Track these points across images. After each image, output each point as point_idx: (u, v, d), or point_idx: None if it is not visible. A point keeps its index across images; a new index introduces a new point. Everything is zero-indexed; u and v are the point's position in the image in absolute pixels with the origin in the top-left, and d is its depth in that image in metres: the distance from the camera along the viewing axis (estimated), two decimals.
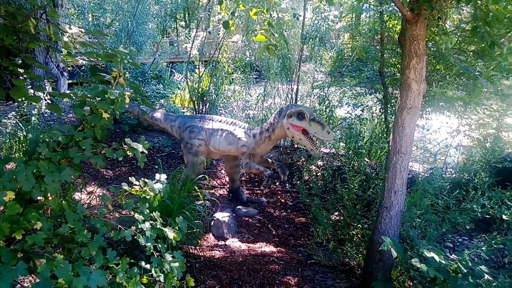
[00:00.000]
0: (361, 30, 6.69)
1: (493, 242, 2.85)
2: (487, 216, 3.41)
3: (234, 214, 5.06)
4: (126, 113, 6.44)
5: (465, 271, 2.66)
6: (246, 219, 5.10)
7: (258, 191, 6.09)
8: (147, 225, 2.12)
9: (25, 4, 2.90)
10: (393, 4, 5.43)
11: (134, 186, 2.19)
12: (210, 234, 4.62)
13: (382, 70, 5.97)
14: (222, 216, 4.71)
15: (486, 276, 2.69)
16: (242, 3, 3.05)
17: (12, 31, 2.75)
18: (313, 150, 4.45)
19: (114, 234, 2.05)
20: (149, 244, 2.06)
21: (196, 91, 7.63)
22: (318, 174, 6.15)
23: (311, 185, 5.81)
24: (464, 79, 5.67)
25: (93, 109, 2.07)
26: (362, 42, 6.67)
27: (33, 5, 3.04)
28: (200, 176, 4.92)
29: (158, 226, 2.16)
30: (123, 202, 2.16)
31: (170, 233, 2.18)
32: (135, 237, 2.07)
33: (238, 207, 5.32)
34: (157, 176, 2.30)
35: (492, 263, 3.93)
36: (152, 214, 2.22)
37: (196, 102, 7.54)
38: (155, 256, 2.09)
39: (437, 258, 2.59)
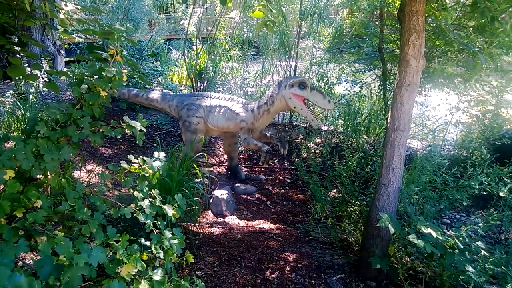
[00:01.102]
0: (360, 5, 6.57)
1: (490, 218, 2.88)
2: (485, 193, 3.44)
3: (232, 192, 5.10)
4: (119, 97, 6.32)
5: (462, 247, 2.70)
6: (245, 196, 5.14)
7: (256, 169, 6.11)
8: (146, 202, 2.13)
9: None
10: None
11: (133, 164, 2.20)
12: (209, 211, 4.66)
13: (381, 46, 5.90)
14: (221, 193, 4.74)
15: (483, 251, 2.74)
16: None
17: (7, 8, 2.71)
18: (313, 120, 4.54)
19: (114, 212, 2.07)
20: (148, 221, 2.08)
21: (193, 68, 7.56)
22: (316, 151, 6.17)
23: (309, 162, 5.84)
24: (464, 56, 5.61)
25: (91, 87, 2.06)
26: (361, 18, 6.58)
27: None
28: (199, 154, 4.93)
29: (157, 204, 2.18)
30: (122, 180, 2.16)
31: (169, 210, 2.19)
32: (135, 215, 2.08)
33: (237, 184, 5.35)
34: (156, 154, 2.30)
35: (489, 239, 3.99)
36: (151, 192, 2.23)
37: (194, 79, 7.49)
38: (155, 233, 2.11)
39: (434, 234, 2.62)
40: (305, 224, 4.39)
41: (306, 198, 5.19)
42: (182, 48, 8.71)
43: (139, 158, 2.22)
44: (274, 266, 3.40)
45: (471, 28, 5.10)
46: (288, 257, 3.56)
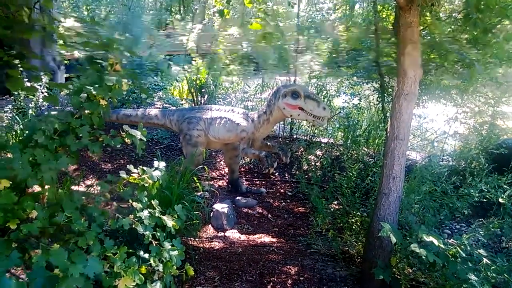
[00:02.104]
0: (355, 20, 6.66)
1: (491, 226, 2.85)
2: (484, 200, 3.42)
3: (233, 205, 5.06)
4: (114, 121, 6.06)
5: (464, 255, 2.67)
6: (246, 210, 5.10)
7: (257, 182, 6.08)
8: (145, 213, 2.11)
9: None
10: None
11: (132, 174, 2.18)
12: (210, 225, 4.62)
13: (378, 59, 5.94)
14: (222, 207, 4.70)
15: (485, 260, 2.70)
16: None
17: (6, 21, 2.72)
18: (315, 121, 4.46)
19: (112, 223, 2.05)
20: (147, 232, 2.06)
21: (194, 83, 7.59)
22: (317, 163, 6.16)
23: (310, 174, 5.82)
24: (459, 67, 5.64)
25: (90, 96, 2.06)
26: (357, 33, 6.63)
27: None
28: (199, 167, 4.91)
29: (156, 215, 2.16)
30: (121, 190, 2.15)
31: (169, 221, 2.17)
32: (134, 226, 2.06)
33: (238, 198, 5.31)
34: (156, 163, 2.29)
35: (490, 248, 3.94)
36: (150, 202, 2.21)
37: (194, 93, 7.51)
38: (154, 244, 2.08)
39: (436, 242, 2.59)
40: (307, 237, 4.35)
41: (307, 211, 5.15)
42: (182, 63, 8.76)
43: (138, 168, 2.21)
44: (276, 279, 3.36)
45: (464, 41, 5.14)
46: (290, 270, 3.52)
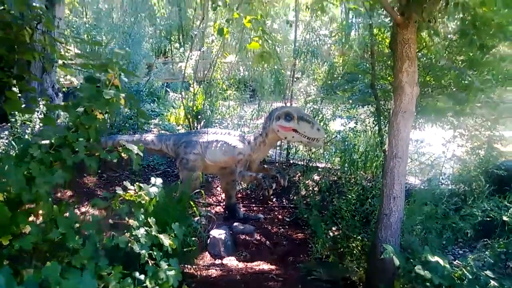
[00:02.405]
0: (351, 44, 6.76)
1: (496, 246, 2.78)
2: (488, 220, 3.36)
3: (231, 232, 4.95)
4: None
5: (470, 277, 2.59)
6: (243, 236, 4.99)
7: (255, 208, 6.00)
8: (142, 231, 2.04)
9: (19, 15, 2.89)
10: (382, 16, 5.52)
11: (128, 191, 2.13)
12: (206, 252, 4.50)
13: (373, 82, 5.99)
14: (219, 233, 4.60)
15: (492, 282, 2.62)
16: (236, 11, 3.06)
17: (7, 41, 2.72)
18: (311, 143, 4.38)
19: (107, 241, 1.97)
20: (143, 251, 1.98)
21: (191, 109, 7.61)
22: (315, 188, 6.09)
23: (308, 200, 5.74)
24: (455, 90, 5.69)
25: (87, 109, 2.02)
26: (352, 57, 6.73)
27: (28, 16, 3.02)
28: (196, 191, 4.84)
29: (153, 233, 2.08)
30: (117, 207, 2.09)
31: (166, 240, 2.10)
32: (130, 244, 1.99)
33: (235, 224, 5.20)
34: (153, 180, 2.24)
35: (496, 270, 3.84)
36: (147, 220, 2.15)
37: (191, 119, 7.52)
38: (150, 264, 2.00)
39: (441, 262, 2.52)
40: (307, 264, 4.23)
41: (306, 237, 5.04)
42: (179, 89, 8.83)
43: (135, 184, 2.16)
44: None
45: (460, 62, 5.21)
46: None
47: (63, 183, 1.95)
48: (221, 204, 5.98)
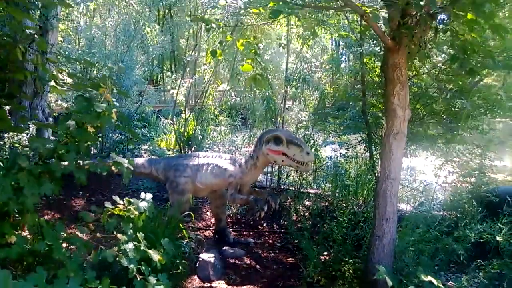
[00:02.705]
0: (342, 73, 6.91)
1: (490, 267, 2.76)
2: (481, 241, 3.35)
3: (220, 256, 4.85)
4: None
5: None
6: (233, 260, 4.89)
7: (245, 233, 5.91)
8: (130, 246, 1.99)
9: (13, 34, 2.90)
10: (372, 45, 5.68)
11: (117, 206, 2.09)
12: (195, 276, 4.39)
13: (364, 109, 6.08)
14: (208, 256, 4.51)
15: None
16: (229, 34, 3.11)
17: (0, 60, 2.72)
18: (299, 167, 4.34)
19: (94, 256, 1.92)
20: (132, 266, 1.93)
21: (182, 134, 7.62)
22: (306, 214, 6.04)
23: (299, 225, 5.68)
24: (445, 117, 5.79)
25: (78, 123, 2.01)
26: (343, 85, 6.86)
27: (21, 35, 3.04)
28: (186, 213, 4.77)
29: (142, 248, 2.03)
30: (106, 222, 2.04)
31: (155, 255, 2.05)
32: (118, 258, 1.93)
33: (224, 248, 5.11)
34: (142, 195, 2.21)
35: None
36: (136, 235, 2.10)
37: (182, 144, 7.51)
38: (138, 279, 1.94)
39: (435, 282, 2.49)
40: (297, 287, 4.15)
41: (297, 262, 4.95)
42: (171, 114, 8.86)
43: (124, 199, 2.12)
44: None
45: (449, 90, 5.32)
46: None
47: (50, 203, 1.91)
48: (211, 228, 5.89)
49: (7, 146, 6.42)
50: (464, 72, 2.91)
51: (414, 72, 5.37)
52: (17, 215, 1.93)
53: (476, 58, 3.37)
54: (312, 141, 6.60)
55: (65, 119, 2.03)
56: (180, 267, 3.65)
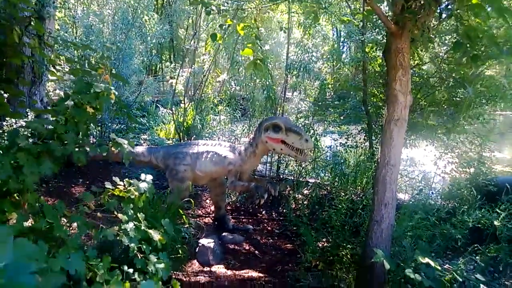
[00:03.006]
0: (343, 62, 6.88)
1: (486, 251, 2.79)
2: (479, 226, 3.37)
3: (220, 241, 4.89)
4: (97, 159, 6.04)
5: (460, 280, 2.58)
6: (232, 246, 4.93)
7: (244, 220, 5.94)
8: (131, 225, 2.00)
9: (8, 17, 2.87)
10: (374, 33, 5.65)
11: (118, 187, 2.09)
12: (195, 260, 4.43)
13: (365, 99, 6.07)
14: (208, 242, 4.54)
15: (482, 286, 2.61)
16: (229, 17, 3.09)
17: None
18: (298, 156, 4.33)
19: (95, 234, 1.93)
20: (132, 244, 1.94)
21: (181, 124, 7.60)
22: (304, 202, 6.07)
23: (298, 212, 5.71)
24: (445, 107, 5.79)
25: (77, 103, 2.01)
26: (344, 74, 6.83)
27: (17, 17, 3.01)
28: (185, 200, 4.78)
29: (142, 228, 2.05)
30: (106, 202, 2.05)
31: (156, 235, 2.06)
32: (118, 237, 1.94)
33: (224, 234, 5.14)
34: (143, 176, 2.21)
35: (488, 275, 3.82)
36: (137, 215, 2.11)
37: (181, 134, 7.50)
38: (139, 257, 1.96)
39: (432, 263, 2.51)
40: (295, 272, 4.18)
41: (295, 248, 4.99)
42: (170, 104, 8.83)
43: (125, 180, 2.13)
44: None
45: (451, 79, 5.32)
46: None
47: (50, 190, 1.91)
48: (210, 215, 5.92)
49: (6, 134, 6.41)
50: (467, 59, 2.89)
51: (416, 61, 5.36)
52: (17, 197, 1.93)
53: (480, 47, 3.36)
54: (312, 131, 6.60)
55: (64, 99, 2.02)
56: (180, 252, 3.68)
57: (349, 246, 3.85)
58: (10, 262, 0.89)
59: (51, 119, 2.08)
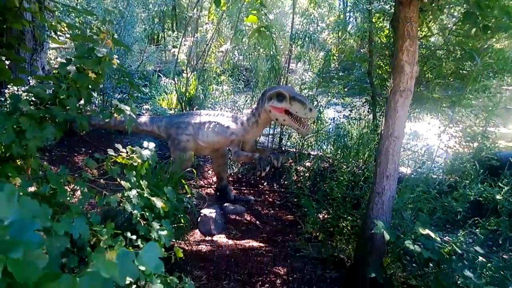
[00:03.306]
0: (349, 32, 6.75)
1: (486, 224, 2.80)
2: (480, 199, 3.38)
3: (221, 211, 4.94)
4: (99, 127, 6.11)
5: (460, 252, 2.60)
6: (234, 216, 4.98)
7: (245, 191, 5.98)
8: (133, 192, 2.01)
9: None
10: (382, 2, 5.51)
11: (120, 153, 2.09)
12: (197, 230, 4.49)
13: (370, 70, 5.99)
14: (209, 212, 4.59)
15: (480, 257, 2.63)
16: None
17: None
18: (299, 129, 4.31)
19: (99, 200, 1.94)
20: (135, 211, 1.95)
21: (183, 94, 7.55)
22: (306, 174, 6.09)
23: (299, 185, 5.74)
24: (452, 80, 5.71)
25: (79, 68, 1.98)
26: (350, 45, 6.72)
27: None
28: (188, 170, 4.80)
29: (145, 195, 2.05)
30: (109, 169, 2.05)
31: (158, 202, 2.07)
32: (121, 204, 1.95)
33: (226, 204, 5.20)
34: (145, 143, 2.20)
35: (487, 248, 3.88)
36: (139, 183, 2.11)
37: (183, 104, 7.46)
38: (142, 224, 1.97)
39: (432, 235, 2.53)
40: (296, 243, 4.24)
41: (296, 219, 5.05)
42: (172, 73, 8.75)
43: (127, 147, 2.12)
44: (264, 279, 3.25)
45: (458, 52, 5.23)
46: (279, 271, 3.41)
47: (53, 159, 1.90)
48: (212, 186, 5.96)
49: (8, 102, 6.39)
50: (477, 30, 2.81)
51: (424, 32, 5.25)
52: (20, 162, 1.93)
53: (490, 18, 3.27)
54: (315, 102, 6.55)
55: (65, 64, 1.99)
56: (183, 221, 3.71)
57: (349, 218, 3.88)
58: (15, 219, 0.89)
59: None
